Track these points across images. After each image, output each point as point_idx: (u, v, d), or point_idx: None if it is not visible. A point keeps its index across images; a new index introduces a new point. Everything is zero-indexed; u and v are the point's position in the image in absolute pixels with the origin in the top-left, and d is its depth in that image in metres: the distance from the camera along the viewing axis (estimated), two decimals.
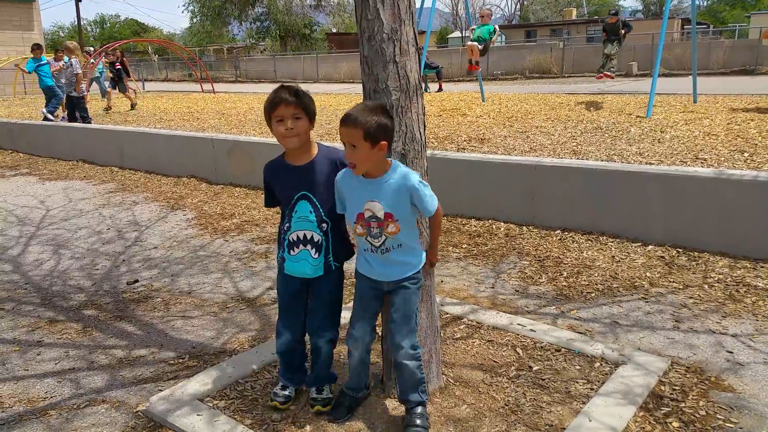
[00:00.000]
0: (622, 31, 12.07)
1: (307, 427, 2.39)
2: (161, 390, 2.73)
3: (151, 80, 32.14)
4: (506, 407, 2.49)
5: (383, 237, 2.24)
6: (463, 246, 4.63)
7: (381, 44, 2.33)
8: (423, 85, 2.38)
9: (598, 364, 2.81)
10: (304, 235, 2.38)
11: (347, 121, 2.13)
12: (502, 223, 5.03)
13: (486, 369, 2.80)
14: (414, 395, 2.34)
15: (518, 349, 2.98)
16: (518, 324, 3.22)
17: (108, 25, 69.11)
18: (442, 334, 3.09)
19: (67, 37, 65.53)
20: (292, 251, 2.40)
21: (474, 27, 11.38)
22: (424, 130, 2.48)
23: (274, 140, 7.07)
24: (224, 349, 3.15)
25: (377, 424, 2.40)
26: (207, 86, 20.70)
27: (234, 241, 5.08)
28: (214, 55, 44.66)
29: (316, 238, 2.38)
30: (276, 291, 2.59)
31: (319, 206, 2.38)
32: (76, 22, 37.14)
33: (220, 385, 2.70)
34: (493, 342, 3.06)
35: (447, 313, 3.41)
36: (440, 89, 16.36)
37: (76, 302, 3.91)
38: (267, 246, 4.89)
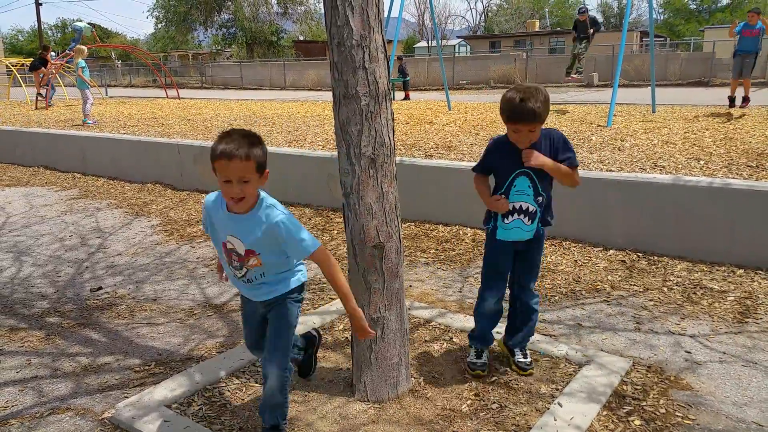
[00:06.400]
0: (591, 30, 12.37)
1: None
2: (127, 397, 2.68)
3: (114, 86, 31.49)
4: (474, 408, 2.53)
5: (244, 270, 2.21)
6: (431, 251, 4.68)
7: (350, 50, 2.36)
8: (392, 92, 2.43)
9: (562, 364, 2.88)
10: (520, 207, 2.64)
11: (235, 155, 2.01)
12: (469, 229, 5.11)
13: (454, 371, 2.84)
14: (271, 417, 2.27)
15: (486, 352, 3.03)
16: None
17: (69, 29, 67.44)
18: (411, 338, 3.13)
19: (26, 41, 63.51)
20: (506, 219, 2.66)
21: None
22: (393, 135, 2.52)
23: None
24: (191, 356, 3.12)
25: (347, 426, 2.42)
26: (172, 92, 20.38)
27: (201, 247, 5.02)
28: (179, 61, 44.01)
29: (531, 209, 2.65)
30: (484, 261, 2.85)
31: (537, 182, 2.62)
32: (36, 26, 36.14)
33: (187, 391, 2.68)
34: (461, 344, 3.11)
35: (416, 317, 3.44)
36: (407, 98, 16.49)
37: (38, 310, 3.82)
38: None
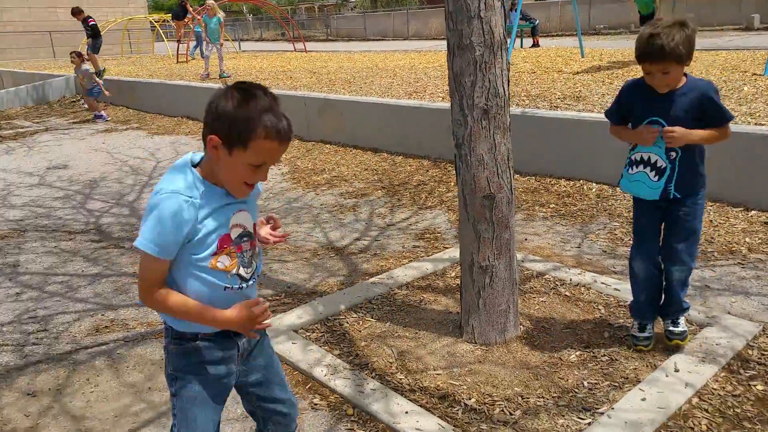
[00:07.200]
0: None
1: (393, 361, 2.57)
2: None
3: (246, 40, 33.12)
4: (583, 358, 2.55)
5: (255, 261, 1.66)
6: (551, 206, 4.60)
7: None
8: (508, 40, 2.35)
9: None
10: (649, 158, 2.38)
11: (289, 136, 1.49)
12: (594, 184, 4.93)
13: (566, 322, 2.85)
14: None
15: (600, 306, 3.00)
16: (602, 283, 3.22)
17: None
18: (523, 289, 3.17)
19: None
20: (631, 169, 2.46)
21: None
22: (508, 85, 2.51)
23: (362, 98, 7.24)
24: (315, 290, 3.41)
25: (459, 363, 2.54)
26: (299, 45, 21.09)
27: (324, 194, 5.32)
28: (306, 14, 45.13)
29: (660, 163, 2.36)
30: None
31: None
32: None
33: (311, 320, 2.96)
34: (575, 298, 3.09)
35: (529, 269, 3.46)
36: (536, 45, 15.73)
37: None
38: (355, 200, 5.09)
